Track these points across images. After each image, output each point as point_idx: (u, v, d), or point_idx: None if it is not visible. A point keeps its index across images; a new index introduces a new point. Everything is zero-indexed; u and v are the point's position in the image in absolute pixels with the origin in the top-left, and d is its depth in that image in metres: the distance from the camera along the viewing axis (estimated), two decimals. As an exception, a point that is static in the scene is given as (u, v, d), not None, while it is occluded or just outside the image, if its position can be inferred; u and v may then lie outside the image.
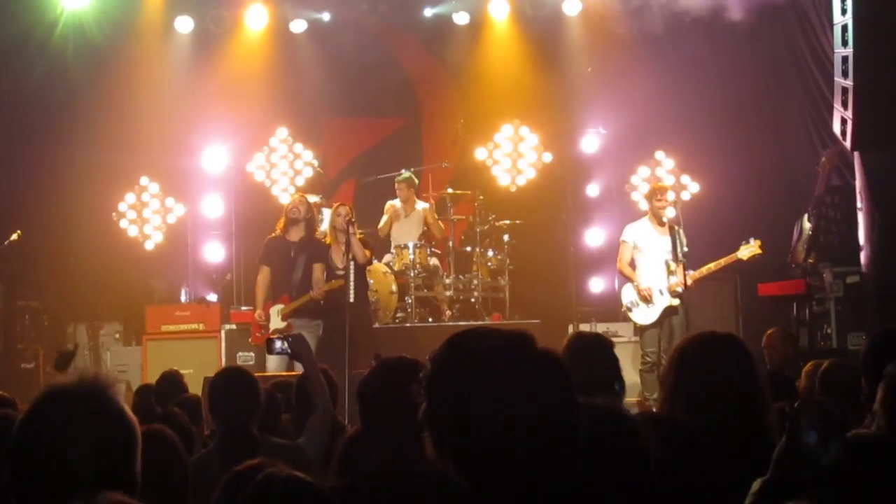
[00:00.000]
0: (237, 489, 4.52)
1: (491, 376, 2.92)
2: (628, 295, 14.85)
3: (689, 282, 14.14)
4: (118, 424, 3.22)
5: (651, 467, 3.55)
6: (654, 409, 13.26)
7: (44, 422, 3.18)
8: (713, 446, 4.39)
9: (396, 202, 17.38)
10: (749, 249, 14.38)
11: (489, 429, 2.88)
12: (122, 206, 18.34)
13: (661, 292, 14.52)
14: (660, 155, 17.79)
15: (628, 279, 14.90)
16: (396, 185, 17.34)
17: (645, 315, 14.65)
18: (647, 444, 3.57)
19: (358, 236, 14.56)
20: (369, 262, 14.96)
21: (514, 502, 2.90)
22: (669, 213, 14.78)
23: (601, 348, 6.47)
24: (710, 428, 4.51)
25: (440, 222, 17.42)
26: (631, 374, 14.77)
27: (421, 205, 17.42)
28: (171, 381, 10.05)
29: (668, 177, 17.62)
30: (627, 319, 15.03)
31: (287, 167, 18.66)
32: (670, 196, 14.99)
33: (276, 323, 14.32)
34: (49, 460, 3.11)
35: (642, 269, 14.71)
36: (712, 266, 14.45)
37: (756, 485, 4.01)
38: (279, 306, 14.42)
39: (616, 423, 3.59)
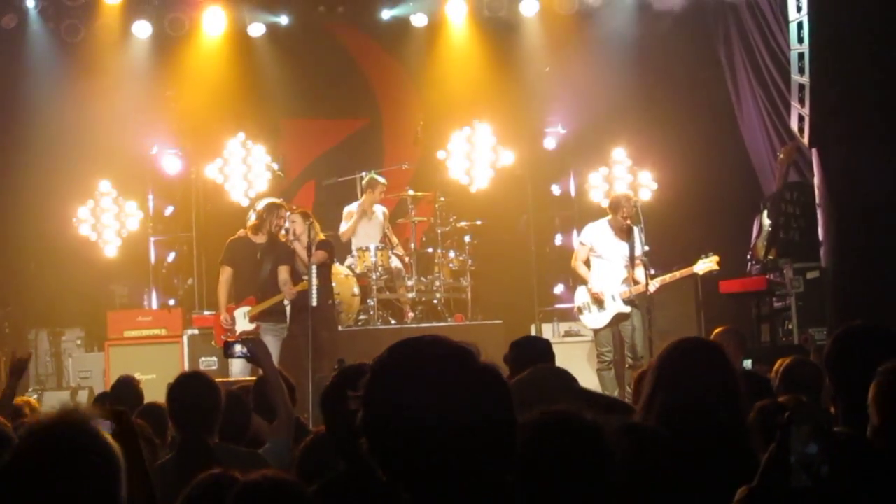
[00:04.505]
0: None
1: (429, 386, 2.92)
2: (581, 297, 14.97)
3: (652, 289, 14.18)
4: (103, 458, 3.23)
5: (612, 471, 3.56)
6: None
7: (28, 466, 3.18)
8: (694, 454, 4.42)
9: (355, 206, 17.35)
10: (706, 265, 14.49)
11: (423, 440, 2.88)
12: (81, 212, 18.22)
13: (613, 298, 14.61)
14: (619, 153, 17.86)
15: (581, 279, 14.99)
16: (378, 186, 17.27)
17: (595, 319, 14.78)
18: (608, 447, 3.58)
19: (320, 236, 14.58)
20: (328, 262, 14.91)
21: None
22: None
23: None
24: (691, 436, 4.54)
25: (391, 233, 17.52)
26: (590, 374, 14.91)
27: (380, 208, 17.42)
28: (127, 387, 9.88)
29: (627, 175, 17.70)
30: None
31: (247, 170, 18.62)
32: (637, 202, 15.03)
33: (243, 325, 14.29)
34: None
35: (597, 273, 14.79)
36: (667, 278, 14.55)
37: (741, 492, 4.03)
38: (245, 308, 14.38)
39: (574, 428, 3.59)
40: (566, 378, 7.05)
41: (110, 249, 18.33)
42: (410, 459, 2.89)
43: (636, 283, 14.40)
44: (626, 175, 17.75)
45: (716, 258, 14.50)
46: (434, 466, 2.87)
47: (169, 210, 18.68)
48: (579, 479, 3.50)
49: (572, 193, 18.67)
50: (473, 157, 18.55)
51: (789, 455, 3.74)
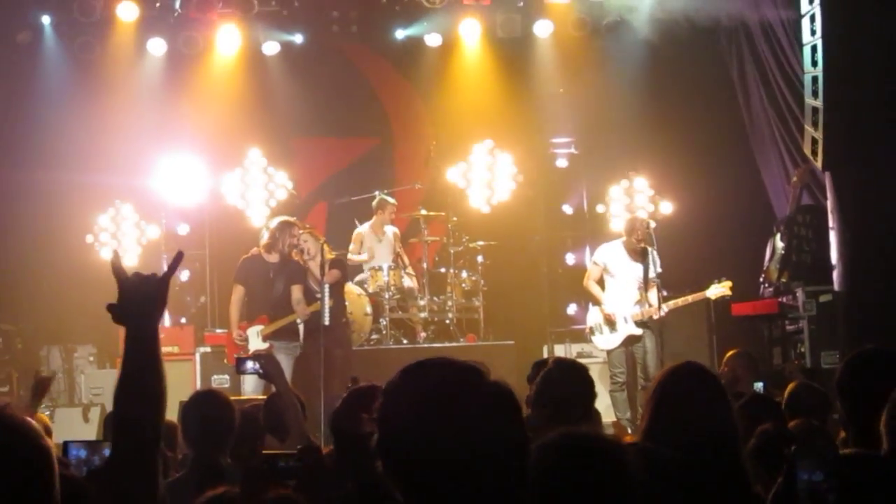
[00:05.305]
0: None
1: (441, 407, 2.94)
2: (593, 317, 14.96)
3: (662, 312, 14.22)
4: (32, 458, 3.18)
5: (635, 494, 3.55)
6: (630, 432, 13.38)
7: None
8: (690, 476, 4.44)
9: (364, 227, 17.39)
10: (718, 290, 14.50)
11: (438, 458, 2.90)
12: (95, 229, 18.24)
13: (625, 319, 14.61)
14: (633, 174, 17.85)
15: (593, 298, 14.98)
16: (387, 207, 17.34)
17: (606, 340, 14.77)
18: (632, 470, 3.58)
19: (328, 255, 14.54)
20: (342, 280, 14.93)
21: None
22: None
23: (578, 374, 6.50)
24: (686, 458, 4.56)
25: (403, 253, 17.56)
26: (603, 395, 14.88)
27: (390, 229, 17.45)
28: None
29: (641, 196, 17.69)
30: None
31: (260, 188, 18.62)
32: (650, 224, 15.05)
33: (256, 344, 14.25)
34: None
35: (610, 294, 14.80)
36: (679, 302, 14.57)
37: None
38: (258, 327, 14.35)
39: (599, 449, 3.59)
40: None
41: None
42: (426, 479, 2.91)
43: (650, 305, 14.42)
44: (638, 196, 17.73)
45: (728, 283, 14.51)
46: (449, 485, 2.89)
47: (182, 228, 18.63)
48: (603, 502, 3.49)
49: (584, 213, 18.63)
50: (486, 177, 18.54)
51: (797, 486, 3.75)
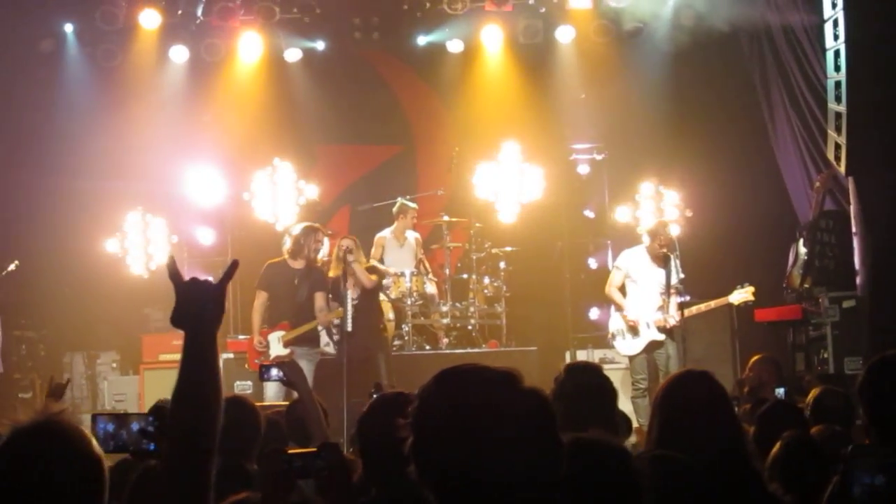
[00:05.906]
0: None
1: (476, 412, 2.94)
2: (615, 323, 14.95)
3: (673, 321, 14.25)
4: (85, 466, 3.23)
5: (642, 498, 3.57)
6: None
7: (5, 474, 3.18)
8: (707, 480, 4.46)
9: (386, 232, 17.39)
10: (741, 295, 14.48)
11: (473, 464, 2.90)
12: (118, 236, 18.27)
13: (647, 325, 14.59)
14: (655, 180, 17.80)
15: (615, 304, 14.97)
16: (409, 212, 17.33)
17: (629, 346, 14.76)
18: (637, 474, 3.59)
19: (364, 264, 14.58)
20: (378, 286, 14.97)
21: None
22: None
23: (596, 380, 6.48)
24: (699, 463, 4.59)
25: (425, 259, 17.54)
26: (625, 401, 14.85)
27: (412, 234, 17.44)
28: (164, 411, 9.77)
29: (664, 202, 17.63)
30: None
31: (282, 195, 18.60)
32: (672, 230, 15.06)
33: (277, 350, 14.24)
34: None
35: (632, 299, 14.79)
36: (702, 307, 14.57)
37: None
38: (279, 333, 14.34)
39: (604, 454, 3.60)
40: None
41: (145, 273, 18.30)
42: (462, 485, 2.91)
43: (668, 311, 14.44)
44: (661, 202, 17.68)
45: (751, 289, 14.48)
46: (485, 491, 2.89)
47: (204, 235, 18.61)
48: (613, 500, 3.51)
49: (606, 218, 18.57)
50: (508, 183, 18.49)
51: (852, 488, 3.74)
